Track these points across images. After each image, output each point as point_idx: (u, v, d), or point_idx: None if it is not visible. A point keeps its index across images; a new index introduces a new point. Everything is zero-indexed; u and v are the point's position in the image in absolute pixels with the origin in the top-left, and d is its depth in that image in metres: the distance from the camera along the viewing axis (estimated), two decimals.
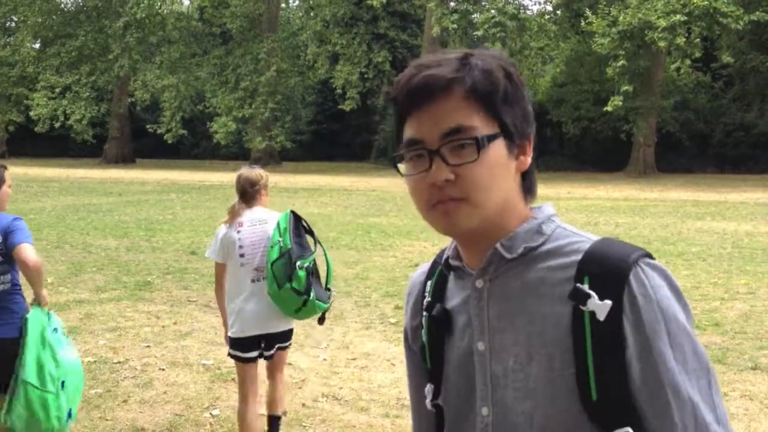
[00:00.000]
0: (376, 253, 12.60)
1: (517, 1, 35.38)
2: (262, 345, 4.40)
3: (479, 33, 34.22)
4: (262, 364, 4.58)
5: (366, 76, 41.25)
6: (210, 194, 24.33)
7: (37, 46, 47.32)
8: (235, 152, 47.45)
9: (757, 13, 28.37)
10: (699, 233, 14.96)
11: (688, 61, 29.80)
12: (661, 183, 29.64)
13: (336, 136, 50.29)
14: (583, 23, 31.28)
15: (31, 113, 43.81)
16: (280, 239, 4.25)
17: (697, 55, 30.03)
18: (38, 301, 3.92)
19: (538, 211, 1.29)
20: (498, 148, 1.20)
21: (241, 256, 4.34)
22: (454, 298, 1.33)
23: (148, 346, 7.01)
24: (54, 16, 45.86)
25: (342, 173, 37.09)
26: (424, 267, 1.46)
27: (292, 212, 4.48)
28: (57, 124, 43.55)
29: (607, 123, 34.95)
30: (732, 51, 32.17)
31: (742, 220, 17.11)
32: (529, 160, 1.26)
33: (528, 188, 1.29)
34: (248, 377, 4.39)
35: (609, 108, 30.00)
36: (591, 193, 24.05)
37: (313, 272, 4.36)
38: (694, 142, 36.40)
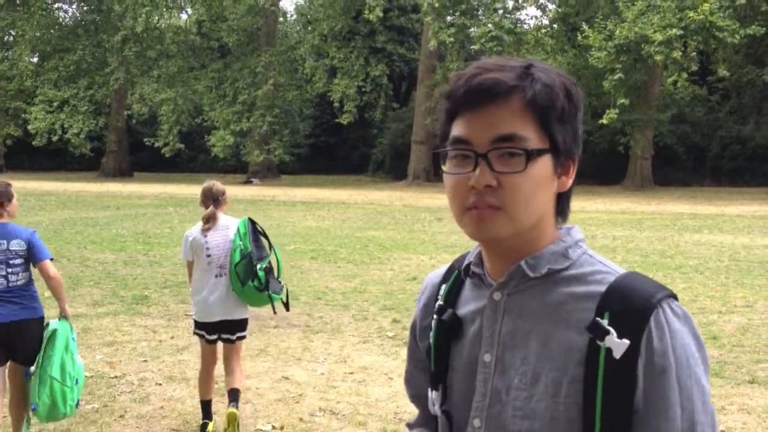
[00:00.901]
0: (373, 266, 12.59)
1: (513, 16, 35.55)
2: (224, 332, 5.22)
3: (476, 47, 34.34)
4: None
5: (363, 89, 41.37)
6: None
7: (35, 60, 47.41)
8: (233, 166, 47.51)
9: (753, 27, 28.50)
10: (696, 246, 14.97)
11: (684, 75, 29.90)
12: (658, 196, 29.69)
13: (334, 150, 50.37)
14: (579, 37, 31.40)
15: (29, 127, 43.85)
16: (241, 243, 5.09)
17: (694, 68, 30.14)
18: (64, 315, 4.90)
19: (567, 234, 1.28)
20: (544, 164, 1.19)
21: (208, 256, 5.16)
22: (469, 305, 1.32)
23: (145, 361, 6.99)
24: (52, 31, 46.00)
25: (340, 186, 37.12)
26: (441, 269, 1.45)
27: (249, 219, 5.28)
28: (55, 138, 43.59)
29: (604, 136, 35.04)
30: (728, 65, 32.32)
31: (740, 233, 17.13)
32: (570, 181, 1.26)
33: (561, 210, 1.28)
34: (210, 353, 5.31)
35: (604, 121, 30.08)
36: (588, 206, 24.07)
37: (269, 270, 5.20)
38: (690, 155, 36.50)
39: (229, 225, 5.22)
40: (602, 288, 1.19)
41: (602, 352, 1.14)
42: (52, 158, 50.53)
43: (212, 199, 5.25)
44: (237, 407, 5.06)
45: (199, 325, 5.26)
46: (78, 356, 4.90)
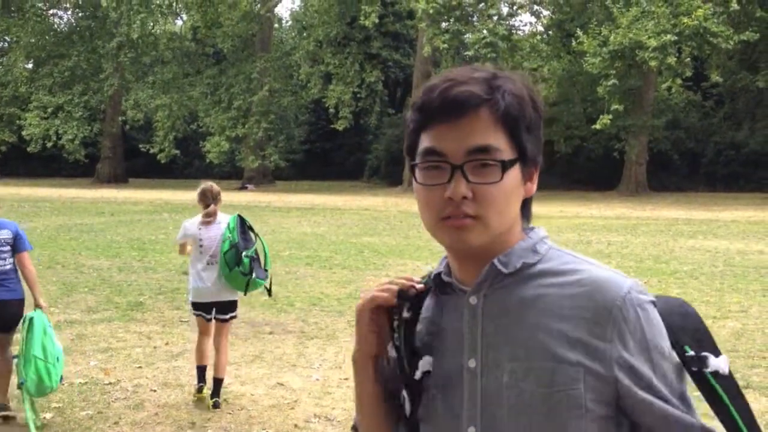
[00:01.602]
0: (369, 272, 12.59)
1: (508, 22, 35.63)
2: (216, 311, 6.04)
3: (470, 53, 34.39)
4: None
5: (359, 95, 41.39)
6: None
7: (30, 66, 47.37)
8: (228, 171, 47.45)
9: (747, 33, 28.61)
10: (691, 251, 15.00)
11: (678, 81, 29.99)
12: (653, 201, 29.74)
13: (329, 156, 50.36)
14: (574, 43, 31.49)
15: (24, 133, 43.78)
16: (230, 235, 5.87)
17: (688, 74, 30.23)
18: (39, 306, 5.51)
19: (532, 233, 1.31)
20: (515, 173, 1.23)
21: (200, 246, 6.01)
22: (445, 315, 1.32)
23: (139, 367, 6.97)
24: (47, 37, 45.96)
25: (335, 192, 37.12)
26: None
27: (239, 215, 6.07)
28: (49, 144, 43.53)
29: (598, 142, 35.11)
30: (722, 70, 32.41)
31: (734, 239, 17.17)
32: (534, 187, 1.30)
33: (526, 213, 1.32)
34: (206, 329, 6.10)
35: (598, 126, 30.15)
36: (583, 212, 24.10)
37: (255, 258, 5.95)
38: (685, 160, 36.57)
39: (221, 221, 6.05)
40: (576, 276, 1.24)
41: (710, 378, 1.22)
42: (47, 164, 50.43)
43: (211, 198, 6.05)
44: (218, 398, 5.86)
45: (196, 306, 6.09)
46: (56, 339, 5.52)
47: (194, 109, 44.23)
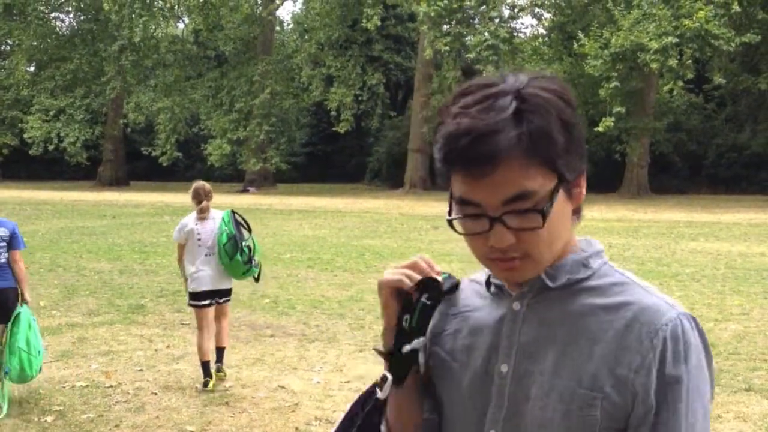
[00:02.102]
0: (370, 275, 12.58)
1: (509, 25, 35.64)
2: (215, 297, 6.59)
3: (472, 56, 34.40)
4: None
5: (360, 98, 41.39)
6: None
7: (32, 69, 47.43)
8: (230, 174, 47.46)
9: (748, 35, 28.58)
10: (692, 254, 14.98)
11: (680, 83, 29.96)
12: (655, 204, 29.72)
13: (330, 158, 50.38)
14: (575, 46, 31.48)
15: (25, 136, 43.82)
16: (227, 228, 6.53)
17: (690, 76, 30.20)
18: (25, 301, 6.05)
19: (587, 244, 1.27)
20: (558, 201, 1.15)
21: (199, 240, 6.59)
22: (486, 314, 1.31)
23: (140, 370, 6.97)
24: (49, 40, 46.02)
25: (336, 195, 37.11)
26: (465, 281, 1.42)
27: (232, 210, 6.77)
28: (51, 147, 43.57)
29: (600, 144, 35.08)
30: (724, 72, 32.37)
31: (736, 241, 17.15)
32: (583, 192, 1.23)
33: (576, 212, 1.25)
34: (205, 319, 6.54)
35: (600, 128, 30.13)
36: (585, 214, 23.83)
37: (252, 246, 6.63)
38: (687, 162, 36.54)
39: (215, 216, 6.69)
40: (621, 298, 1.19)
41: None
42: (49, 167, 50.47)
43: (203, 195, 6.67)
44: (221, 363, 6.65)
45: (192, 296, 6.60)
46: (39, 334, 6.08)
47: (196, 111, 44.26)
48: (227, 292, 6.76)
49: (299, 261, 14.23)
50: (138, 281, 11.87)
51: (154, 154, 43.83)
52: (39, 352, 5.96)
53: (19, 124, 45.05)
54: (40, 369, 6.03)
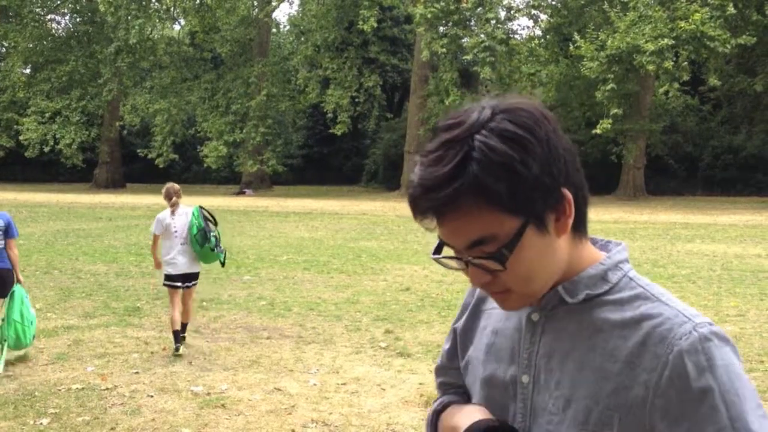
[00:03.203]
0: (366, 277, 12.57)
1: (506, 26, 35.67)
2: (185, 281, 7.91)
3: (468, 57, 34.43)
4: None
5: (357, 100, 41.42)
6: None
7: (28, 71, 47.38)
8: (226, 176, 47.47)
9: (744, 36, 28.65)
10: (689, 255, 15.00)
11: (676, 85, 30.04)
12: (651, 205, 29.75)
13: (327, 160, 50.40)
14: (571, 47, 31.53)
15: (21, 138, 43.76)
16: (196, 222, 7.78)
17: (685, 78, 30.28)
18: (19, 281, 7.29)
19: (607, 257, 1.25)
20: (528, 239, 1.14)
21: (174, 231, 7.85)
22: (504, 322, 1.32)
23: (136, 373, 6.95)
24: (45, 42, 46.00)
25: (333, 197, 37.11)
26: None
27: (200, 206, 7.99)
28: (47, 149, 43.52)
29: (596, 146, 35.15)
30: (719, 74, 32.46)
31: (732, 243, 17.17)
32: (570, 220, 1.18)
33: (577, 228, 1.22)
34: (176, 297, 7.87)
35: (598, 131, 30.19)
36: None
37: (217, 239, 7.90)
38: (683, 164, 36.63)
39: (186, 211, 7.95)
40: (638, 313, 1.17)
41: None
42: (45, 170, 50.44)
43: (174, 193, 8.01)
44: (184, 334, 7.92)
45: (168, 278, 7.90)
46: (32, 308, 7.29)
47: (192, 113, 44.26)
48: (195, 276, 8.05)
49: (296, 263, 14.22)
50: (134, 283, 11.85)
51: (150, 156, 43.81)
52: (31, 322, 7.16)
53: (15, 126, 45.01)
54: (33, 337, 7.26)
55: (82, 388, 6.44)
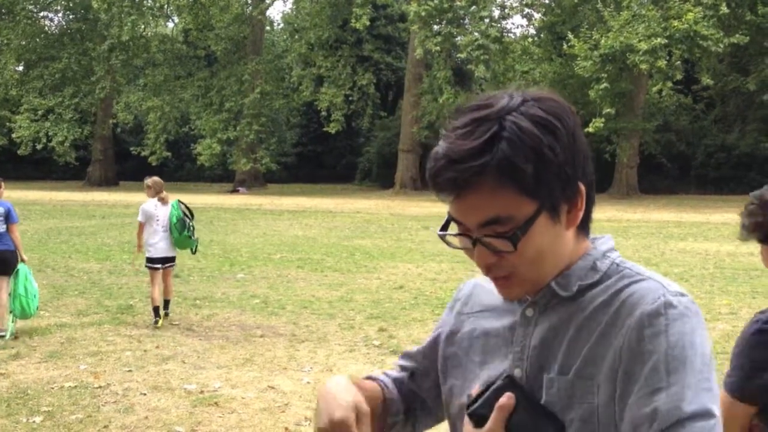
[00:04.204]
0: (360, 275, 12.57)
1: (499, 25, 35.70)
2: (164, 263, 9.08)
3: (462, 55, 34.45)
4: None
5: (351, 98, 41.40)
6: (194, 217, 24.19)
7: (21, 68, 47.20)
8: (220, 174, 47.39)
9: (737, 36, 28.74)
10: (681, 254, 15.04)
11: (669, 84, 30.11)
12: (644, 204, 29.82)
13: (321, 158, 50.36)
14: (565, 46, 31.57)
15: (14, 135, 43.61)
16: (176, 212, 8.99)
17: (678, 77, 30.36)
18: (23, 260, 8.39)
19: (594, 248, 1.27)
20: (540, 225, 1.16)
21: (157, 220, 9.00)
22: (498, 318, 1.32)
23: (129, 371, 6.94)
24: (38, 39, 45.82)
25: (326, 195, 37.09)
26: (480, 279, 1.43)
27: (178, 200, 9.22)
28: (39, 146, 43.37)
29: (589, 145, 34.32)
30: (712, 73, 32.55)
31: (724, 241, 17.22)
32: (580, 214, 1.21)
33: (582, 227, 1.25)
34: (156, 277, 9.02)
35: (591, 129, 30.23)
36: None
37: (192, 227, 9.16)
38: (676, 163, 36.71)
39: (168, 204, 9.12)
40: (618, 288, 1.19)
41: None
42: (38, 167, 50.27)
43: (160, 189, 9.13)
44: (168, 310, 9.20)
45: (150, 260, 9.05)
46: (34, 282, 8.34)
47: (186, 111, 44.17)
48: (173, 259, 9.28)
49: (289, 261, 14.21)
50: (127, 281, 11.83)
51: (143, 154, 43.71)
52: (34, 295, 8.22)
53: (8, 124, 44.85)
54: (37, 308, 8.37)
55: (75, 386, 6.44)
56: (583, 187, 1.20)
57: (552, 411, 1.19)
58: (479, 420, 1.20)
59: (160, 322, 8.70)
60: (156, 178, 9.29)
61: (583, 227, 1.26)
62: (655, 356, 1.11)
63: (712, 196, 32.99)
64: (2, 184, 8.93)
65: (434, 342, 1.47)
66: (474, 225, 1.16)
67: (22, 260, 8.37)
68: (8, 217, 8.37)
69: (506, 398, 1.18)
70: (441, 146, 1.16)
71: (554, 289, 1.23)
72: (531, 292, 1.24)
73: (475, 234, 1.17)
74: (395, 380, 1.50)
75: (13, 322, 8.17)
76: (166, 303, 9.18)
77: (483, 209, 1.15)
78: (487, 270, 1.20)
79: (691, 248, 15.97)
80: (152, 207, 9.01)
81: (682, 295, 1.16)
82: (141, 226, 9.19)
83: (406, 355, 1.55)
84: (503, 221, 1.15)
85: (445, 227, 1.24)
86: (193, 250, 9.42)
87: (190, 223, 9.17)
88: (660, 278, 1.20)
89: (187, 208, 9.24)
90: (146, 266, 9.15)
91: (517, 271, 1.19)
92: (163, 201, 9.13)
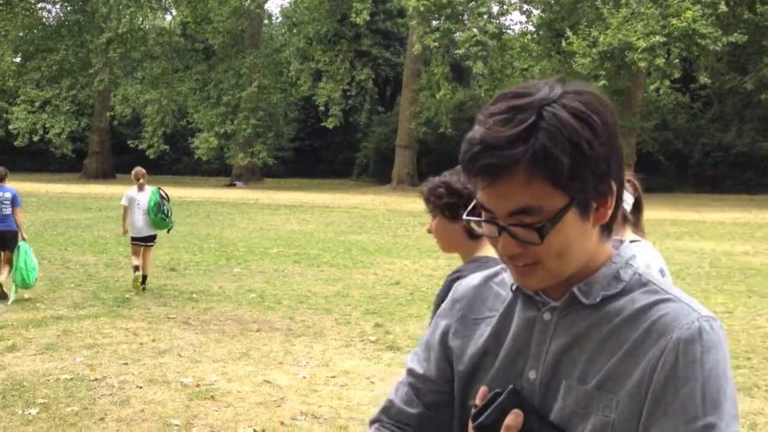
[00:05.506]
0: (356, 270, 12.58)
1: (498, 21, 35.68)
2: (144, 241, 10.70)
3: (460, 52, 34.43)
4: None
5: (349, 93, 41.35)
6: (191, 210, 24.19)
7: (18, 60, 47.06)
8: (217, 168, 47.33)
9: (735, 34, 28.76)
10: (677, 252, 15.07)
11: (667, 82, 30.12)
12: None
13: (318, 153, 50.33)
14: (564, 43, 31.56)
15: (10, 127, 43.50)
16: (154, 197, 10.49)
17: (676, 75, 30.36)
18: (24, 239, 9.73)
19: (618, 255, 1.26)
20: (569, 219, 1.16)
21: (139, 204, 10.58)
22: (515, 319, 1.31)
23: (125, 364, 6.95)
24: (35, 30, 45.67)
25: (324, 190, 37.08)
26: (477, 279, 1.42)
27: (158, 187, 10.66)
28: (36, 138, 43.27)
29: None
30: (710, 72, 32.56)
31: (720, 240, 17.26)
32: (609, 212, 1.20)
33: (606, 228, 1.24)
34: (137, 252, 10.64)
35: None
36: None
37: (168, 210, 10.64)
38: (673, 162, 36.74)
39: (148, 189, 10.66)
40: (646, 304, 1.19)
41: None
42: (34, 159, 50.12)
43: (141, 176, 10.68)
44: (145, 285, 10.58)
45: (133, 239, 10.70)
46: (34, 258, 9.56)
47: (183, 104, 44.07)
48: (152, 238, 10.84)
49: (286, 256, 14.22)
50: (123, 274, 11.82)
51: (140, 147, 43.60)
52: (33, 268, 9.47)
53: (5, 115, 44.72)
54: (36, 279, 9.60)
55: (71, 379, 6.44)
56: (615, 186, 1.19)
57: (558, 425, 1.19)
58: (485, 431, 1.21)
59: (137, 276, 10.47)
60: (138, 168, 10.85)
61: (607, 227, 1.24)
62: (691, 383, 1.12)
63: (708, 195, 33.04)
64: (7, 172, 10.08)
65: (442, 364, 1.40)
66: (503, 213, 1.16)
67: (23, 239, 9.73)
68: (14, 201, 9.84)
69: (514, 417, 1.18)
70: (477, 131, 1.15)
71: (576, 296, 1.22)
72: (549, 285, 1.22)
73: (502, 222, 1.16)
74: None
75: (15, 292, 9.44)
76: (144, 278, 10.64)
77: (514, 198, 1.14)
78: (511, 258, 1.19)
79: (687, 247, 16.00)
80: (134, 192, 10.67)
81: (714, 320, 1.18)
82: (125, 210, 10.79)
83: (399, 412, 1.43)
84: (532, 212, 1.14)
85: (471, 212, 1.23)
86: (168, 230, 11.12)
87: (168, 206, 10.65)
88: (688, 299, 1.21)
89: (165, 194, 10.72)
90: (131, 243, 10.84)
91: (540, 260, 1.18)
92: (140, 187, 10.66)
